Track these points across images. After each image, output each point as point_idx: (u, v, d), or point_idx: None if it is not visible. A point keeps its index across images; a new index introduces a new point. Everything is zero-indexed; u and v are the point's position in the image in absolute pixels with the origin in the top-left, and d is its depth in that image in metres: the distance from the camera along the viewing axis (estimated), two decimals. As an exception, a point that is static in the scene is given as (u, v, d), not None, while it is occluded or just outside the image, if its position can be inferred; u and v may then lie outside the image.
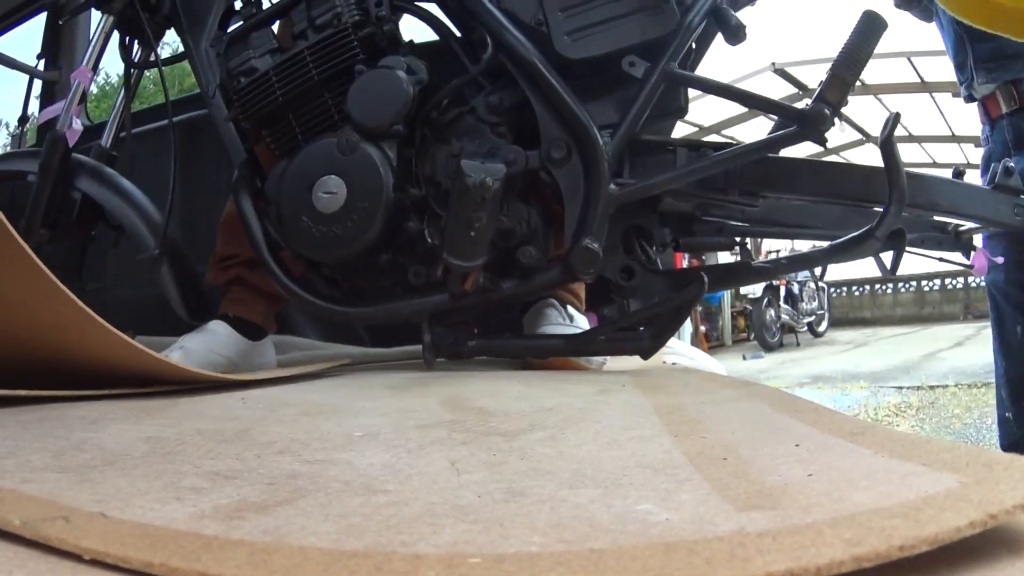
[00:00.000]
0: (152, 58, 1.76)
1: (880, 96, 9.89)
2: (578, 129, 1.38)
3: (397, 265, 1.47)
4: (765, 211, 1.59)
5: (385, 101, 1.40)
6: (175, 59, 1.82)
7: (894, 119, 1.35)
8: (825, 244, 1.51)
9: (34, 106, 2.70)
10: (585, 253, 1.37)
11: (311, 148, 1.43)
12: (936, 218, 1.66)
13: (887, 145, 1.32)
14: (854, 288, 17.64)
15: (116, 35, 1.75)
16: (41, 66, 2.62)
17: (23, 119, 2.64)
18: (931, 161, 11.63)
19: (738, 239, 1.67)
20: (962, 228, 1.67)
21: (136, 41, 1.75)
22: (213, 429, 0.81)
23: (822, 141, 1.35)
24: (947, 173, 1.60)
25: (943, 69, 9.60)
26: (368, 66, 1.43)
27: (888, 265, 1.50)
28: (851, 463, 0.57)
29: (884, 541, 0.37)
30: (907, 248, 1.46)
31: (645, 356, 1.44)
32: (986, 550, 0.40)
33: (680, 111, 1.57)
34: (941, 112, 9.97)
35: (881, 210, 1.36)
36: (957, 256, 1.73)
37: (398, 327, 1.58)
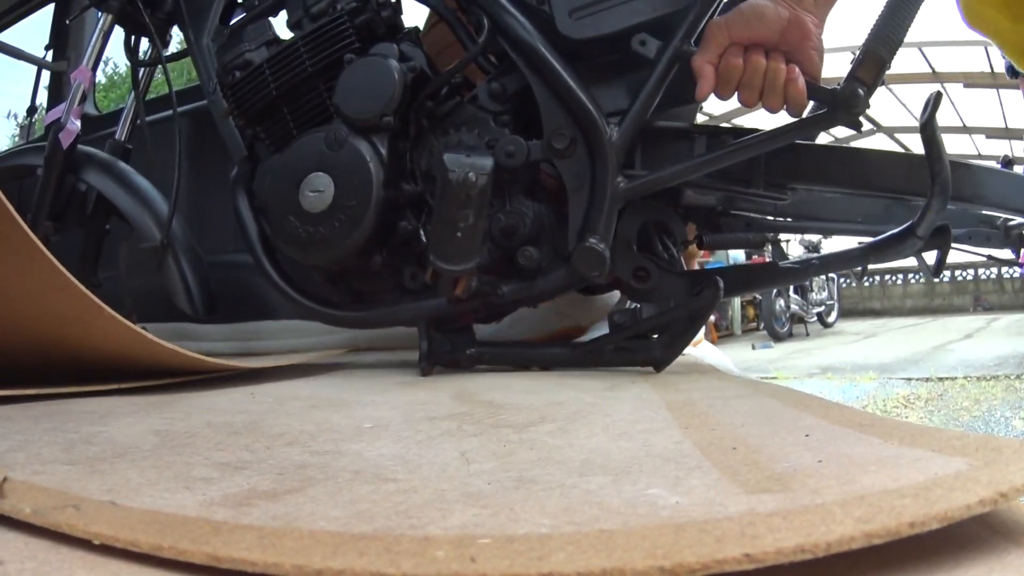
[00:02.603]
0: (153, 54, 1.75)
1: (891, 86, 9.87)
2: (582, 117, 1.27)
3: (392, 267, 1.39)
4: (798, 204, 1.46)
5: (373, 92, 1.32)
6: (178, 55, 1.81)
7: (935, 98, 1.20)
8: (860, 241, 1.38)
9: (42, 97, 2.71)
10: (588, 254, 1.25)
11: (299, 143, 1.36)
12: (985, 212, 1.51)
13: (927, 129, 1.18)
14: (864, 279, 17.60)
15: (123, 33, 1.75)
16: (49, 57, 2.63)
17: (31, 110, 2.65)
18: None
19: (769, 236, 1.54)
20: (1012, 223, 1.52)
21: (141, 39, 1.75)
22: (222, 422, 0.81)
23: (856, 124, 1.20)
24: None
25: (954, 59, 9.59)
26: (360, 55, 1.36)
27: (932, 265, 1.36)
28: (861, 450, 0.57)
29: (894, 518, 0.37)
30: (953, 245, 1.32)
31: (657, 367, 1.29)
32: (991, 543, 0.41)
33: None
34: (952, 102, 9.94)
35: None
36: (1006, 253, 1.58)
37: None
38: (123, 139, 1.90)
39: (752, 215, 1.51)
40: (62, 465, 0.59)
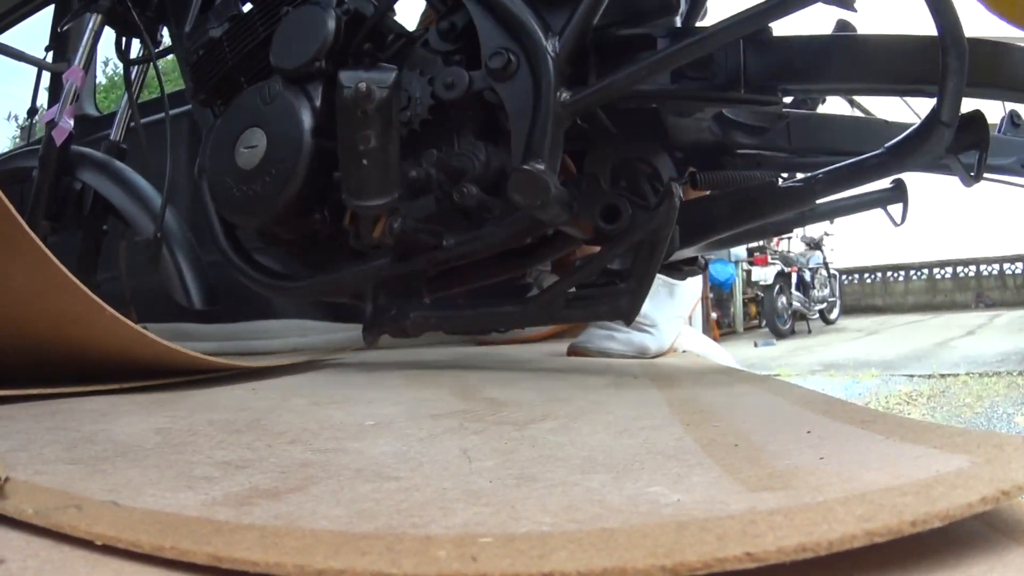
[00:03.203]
0: (145, 53, 1.75)
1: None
2: (517, 29, 1.12)
3: (335, 227, 1.27)
4: (813, 134, 1.28)
5: (304, 38, 1.22)
6: (167, 52, 1.82)
7: None
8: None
9: (43, 98, 2.72)
10: (525, 177, 1.04)
11: (236, 101, 1.29)
12: None
13: None
14: (866, 275, 17.61)
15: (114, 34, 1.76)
16: (49, 58, 2.63)
17: (32, 111, 2.65)
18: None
19: (784, 176, 1.33)
20: None
21: (132, 38, 1.74)
22: (224, 420, 0.81)
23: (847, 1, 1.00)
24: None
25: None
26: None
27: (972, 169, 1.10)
28: (862, 448, 0.57)
29: (896, 517, 0.37)
30: (1004, 178, 1.11)
31: (627, 319, 1.11)
32: (992, 541, 0.41)
33: (668, 7, 1.18)
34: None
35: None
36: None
37: None
38: (119, 139, 1.91)
39: (764, 152, 1.33)
40: (64, 465, 0.59)
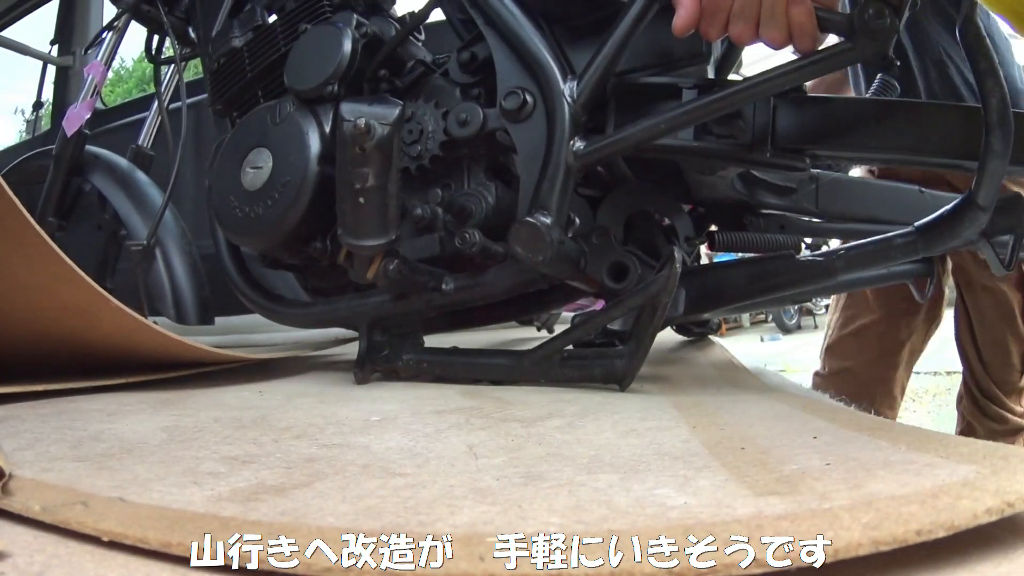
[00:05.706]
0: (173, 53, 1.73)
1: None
2: (535, 69, 1.07)
3: (335, 256, 1.19)
4: (846, 200, 1.21)
5: (318, 60, 1.20)
6: (193, 56, 1.80)
7: None
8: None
9: (48, 92, 2.71)
10: (526, 231, 1.00)
11: (246, 119, 1.26)
12: None
13: (968, 32, 0.89)
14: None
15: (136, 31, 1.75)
16: (55, 52, 2.63)
17: (37, 105, 2.65)
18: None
19: (807, 240, 1.30)
20: None
21: (165, 39, 1.72)
22: (230, 417, 0.81)
23: (885, 60, 0.91)
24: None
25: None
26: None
27: (1006, 257, 1.03)
28: (869, 455, 0.57)
29: (902, 525, 0.37)
30: None
31: (621, 384, 1.02)
32: (999, 539, 0.41)
33: (698, 55, 1.09)
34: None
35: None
36: None
37: None
38: (147, 145, 1.89)
39: (789, 215, 1.27)
40: (70, 462, 0.60)
